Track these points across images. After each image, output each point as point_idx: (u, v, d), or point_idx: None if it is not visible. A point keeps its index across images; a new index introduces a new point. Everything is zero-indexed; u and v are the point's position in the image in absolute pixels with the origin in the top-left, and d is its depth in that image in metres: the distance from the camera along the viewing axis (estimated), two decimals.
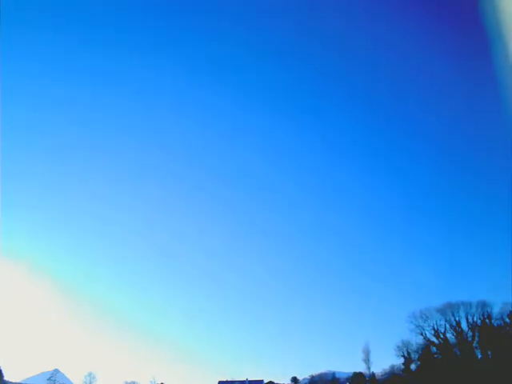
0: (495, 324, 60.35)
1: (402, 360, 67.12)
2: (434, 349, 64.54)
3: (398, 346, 66.28)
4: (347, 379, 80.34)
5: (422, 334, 64.17)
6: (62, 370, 76.93)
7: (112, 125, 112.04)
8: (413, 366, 66.56)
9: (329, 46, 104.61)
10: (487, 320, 60.51)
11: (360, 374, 75.34)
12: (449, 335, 62.95)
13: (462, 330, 61.76)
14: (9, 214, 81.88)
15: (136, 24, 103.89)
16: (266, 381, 77.75)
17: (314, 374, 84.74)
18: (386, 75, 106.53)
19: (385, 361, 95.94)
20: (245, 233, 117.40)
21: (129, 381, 76.53)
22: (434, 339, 63.95)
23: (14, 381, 69.90)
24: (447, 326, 62.68)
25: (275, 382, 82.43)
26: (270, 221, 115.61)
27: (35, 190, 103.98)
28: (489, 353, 59.68)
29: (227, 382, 76.18)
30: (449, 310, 62.50)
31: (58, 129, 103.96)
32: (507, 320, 59.25)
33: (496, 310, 60.42)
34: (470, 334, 61.42)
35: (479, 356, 60.69)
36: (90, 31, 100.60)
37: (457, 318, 61.95)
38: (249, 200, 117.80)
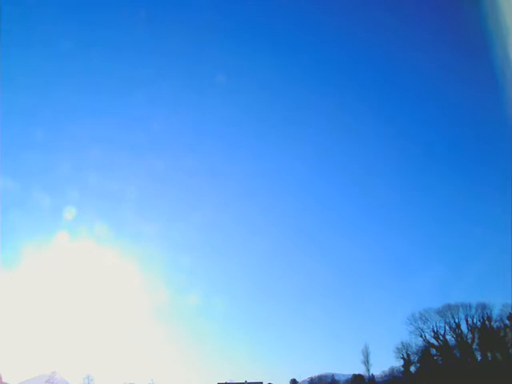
0: (495, 326, 60.27)
1: (401, 362, 67.13)
2: (433, 351, 64.46)
3: (398, 348, 66.29)
4: (346, 381, 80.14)
5: (421, 336, 64.17)
6: (60, 372, 76.50)
7: None
8: (412, 368, 66.51)
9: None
10: (487, 322, 60.40)
11: (359, 376, 75.10)
12: (448, 337, 62.96)
13: (461, 331, 61.72)
14: None
15: None
16: (265, 383, 77.36)
17: (313, 376, 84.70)
18: (384, 76, 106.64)
19: (384, 363, 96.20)
20: (242, 233, 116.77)
21: (127, 382, 76.22)
22: (433, 341, 63.88)
23: (12, 383, 69.62)
24: (447, 327, 62.65)
25: None
26: (269, 222, 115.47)
27: None
28: (488, 355, 59.57)
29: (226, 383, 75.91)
30: (448, 311, 62.42)
31: None
32: (507, 322, 59.15)
33: (496, 312, 60.44)
34: (469, 335, 61.35)
35: (479, 358, 60.59)
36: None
37: (456, 320, 61.90)
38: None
